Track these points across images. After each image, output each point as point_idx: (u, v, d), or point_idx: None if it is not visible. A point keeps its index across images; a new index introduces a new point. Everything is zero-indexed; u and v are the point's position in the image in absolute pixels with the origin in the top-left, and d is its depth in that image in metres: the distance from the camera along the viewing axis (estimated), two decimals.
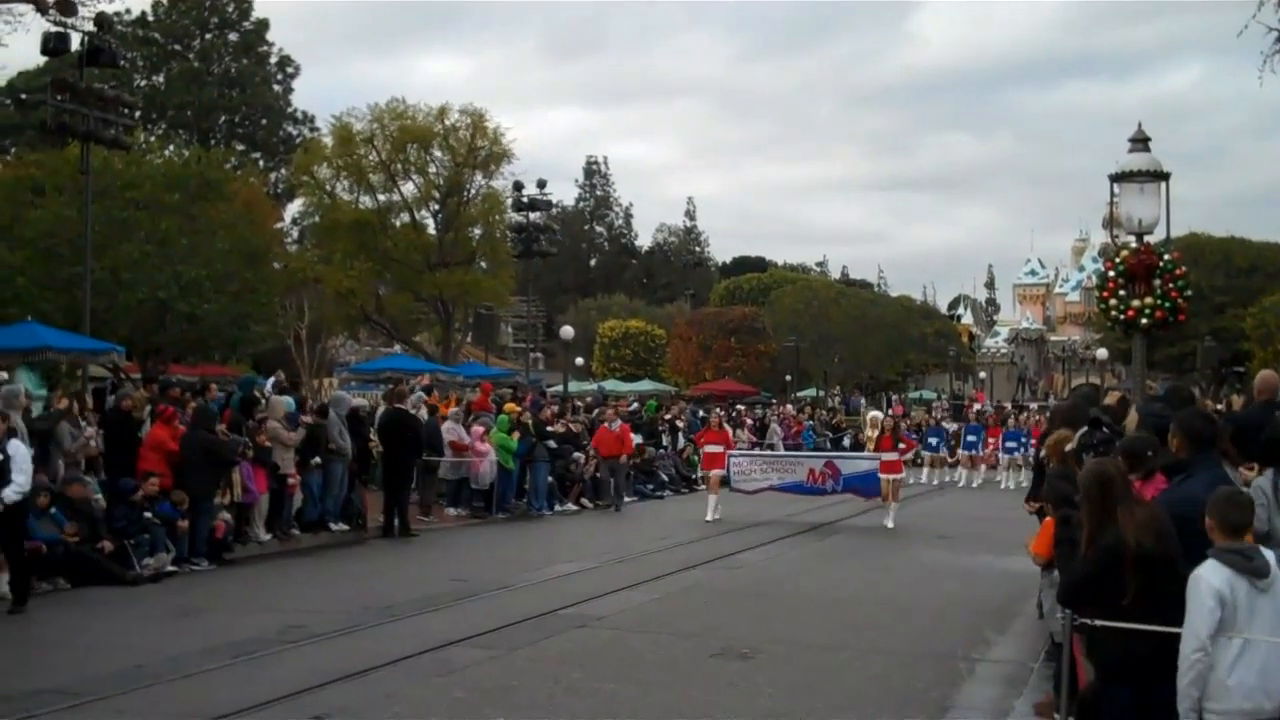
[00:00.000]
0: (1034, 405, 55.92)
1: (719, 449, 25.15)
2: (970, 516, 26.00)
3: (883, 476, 23.10)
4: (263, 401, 19.55)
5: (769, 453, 31.21)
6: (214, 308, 34.50)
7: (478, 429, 23.81)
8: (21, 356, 22.07)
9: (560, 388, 46.30)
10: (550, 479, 25.49)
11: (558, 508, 25.43)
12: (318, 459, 19.52)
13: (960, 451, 37.30)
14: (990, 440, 36.85)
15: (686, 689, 9.98)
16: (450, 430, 23.34)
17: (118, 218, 33.04)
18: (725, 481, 24.30)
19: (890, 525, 22.42)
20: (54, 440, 15.69)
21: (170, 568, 15.75)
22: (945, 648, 11.99)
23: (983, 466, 37.12)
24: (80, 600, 14.12)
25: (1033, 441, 34.86)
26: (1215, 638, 6.10)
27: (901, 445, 24.83)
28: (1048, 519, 8.98)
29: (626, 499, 28.09)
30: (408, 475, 21.28)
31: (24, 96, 55.56)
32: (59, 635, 12.27)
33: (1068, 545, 7.36)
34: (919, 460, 35.84)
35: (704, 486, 26.79)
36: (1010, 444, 35.61)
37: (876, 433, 24.67)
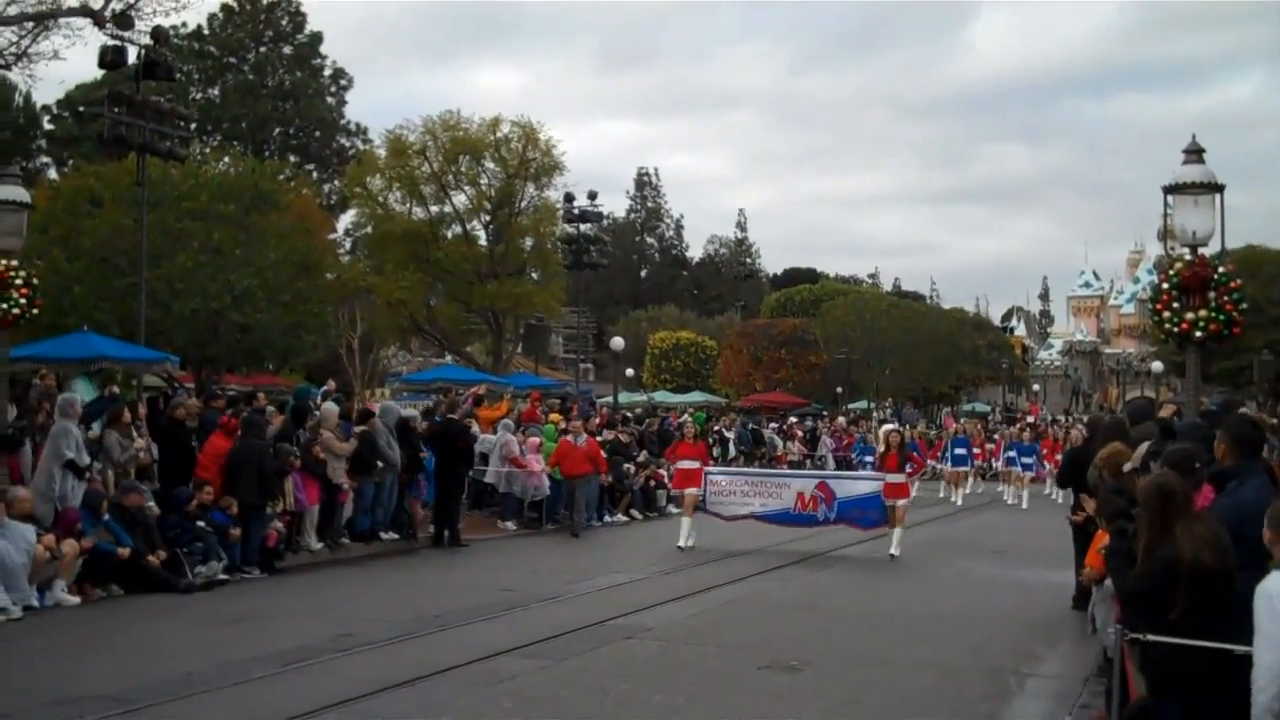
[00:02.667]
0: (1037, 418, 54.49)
1: (694, 464, 21.56)
2: (1024, 530, 25.77)
3: (888, 501, 20.16)
4: (315, 411, 19.73)
5: (752, 470, 27.37)
6: (267, 318, 34.83)
7: (533, 441, 23.86)
8: (79, 366, 22.33)
9: (611, 399, 46.34)
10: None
11: (607, 519, 25.41)
12: (381, 463, 19.62)
13: (949, 468, 35.06)
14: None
15: (734, 701, 9.96)
16: (507, 444, 23.34)
17: (173, 228, 33.42)
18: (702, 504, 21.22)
19: (895, 553, 19.70)
20: (103, 451, 15.84)
21: (222, 576, 15.86)
22: (995, 661, 11.91)
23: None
24: (133, 607, 14.24)
25: (1046, 455, 34.16)
26: None
27: (910, 466, 21.70)
28: (1099, 532, 8.90)
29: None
30: (459, 485, 21.33)
31: (82, 109, 56.34)
32: (112, 642, 12.39)
33: (1121, 558, 7.30)
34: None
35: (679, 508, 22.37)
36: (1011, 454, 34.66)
37: (883, 449, 21.57)
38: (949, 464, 34.76)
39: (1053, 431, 39.11)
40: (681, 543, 20.31)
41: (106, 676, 10.46)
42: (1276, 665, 5.92)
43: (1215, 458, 7.94)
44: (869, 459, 30.58)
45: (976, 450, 35.68)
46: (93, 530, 14.67)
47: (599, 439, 26.10)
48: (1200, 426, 8.97)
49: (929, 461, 36.53)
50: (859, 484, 21.34)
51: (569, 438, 23.85)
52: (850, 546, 20.69)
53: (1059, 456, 32.98)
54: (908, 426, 44.86)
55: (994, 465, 37.71)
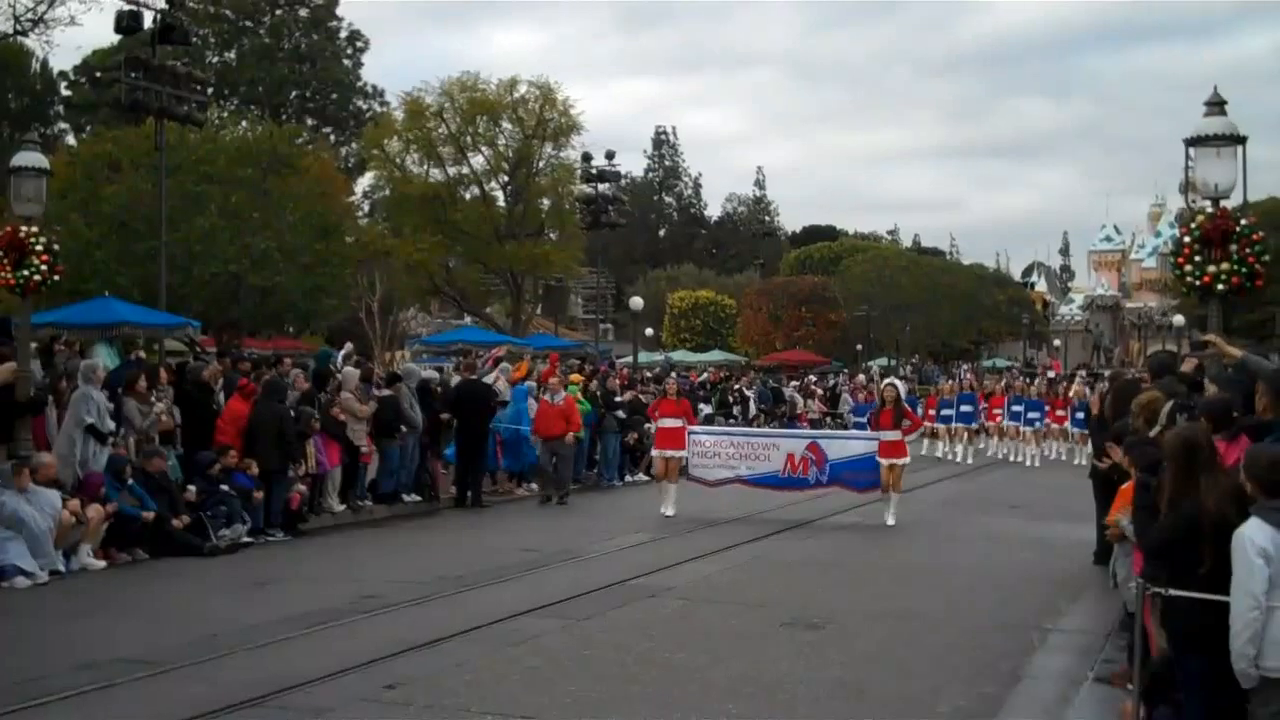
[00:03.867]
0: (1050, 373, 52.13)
1: (677, 423, 20.10)
2: (1041, 486, 25.74)
3: (882, 461, 18.82)
4: (336, 374, 19.79)
5: (738, 429, 25.70)
6: (286, 280, 34.88)
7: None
8: (100, 332, 22.41)
9: (630, 358, 46.36)
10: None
11: (628, 478, 25.42)
12: (404, 427, 19.67)
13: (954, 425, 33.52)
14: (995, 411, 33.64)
15: (757, 658, 9.99)
16: (527, 408, 23.24)
17: (191, 192, 33.45)
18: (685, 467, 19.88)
19: (891, 522, 18.60)
20: (124, 418, 15.88)
21: (246, 539, 15.94)
22: (1017, 617, 11.93)
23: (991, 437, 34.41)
24: (158, 571, 14.33)
25: (1048, 411, 32.51)
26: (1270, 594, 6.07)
27: (907, 422, 19.71)
28: (1123, 487, 8.86)
29: None
30: (481, 447, 21.32)
31: (99, 75, 56.27)
32: (138, 605, 12.48)
33: (1145, 511, 7.29)
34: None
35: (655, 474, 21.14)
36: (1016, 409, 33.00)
37: (877, 404, 20.53)
38: (954, 421, 33.45)
39: (1037, 385, 36.72)
40: (668, 510, 19.15)
41: (133, 639, 10.53)
42: (1247, 611, 6.07)
43: (1255, 409, 7.85)
44: (861, 420, 28.69)
45: (985, 406, 34.01)
46: (117, 495, 14.76)
47: (619, 399, 25.97)
48: (1236, 377, 8.83)
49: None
50: (852, 444, 19.98)
51: (545, 396, 22.27)
52: (851, 510, 19.71)
53: (1059, 413, 32.41)
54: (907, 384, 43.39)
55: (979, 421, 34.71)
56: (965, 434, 33.50)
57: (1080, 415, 31.04)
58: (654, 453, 20.94)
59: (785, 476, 19.34)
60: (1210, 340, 11.20)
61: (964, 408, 33.60)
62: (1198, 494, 6.52)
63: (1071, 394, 32.70)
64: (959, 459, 32.26)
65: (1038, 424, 32.68)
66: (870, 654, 10.29)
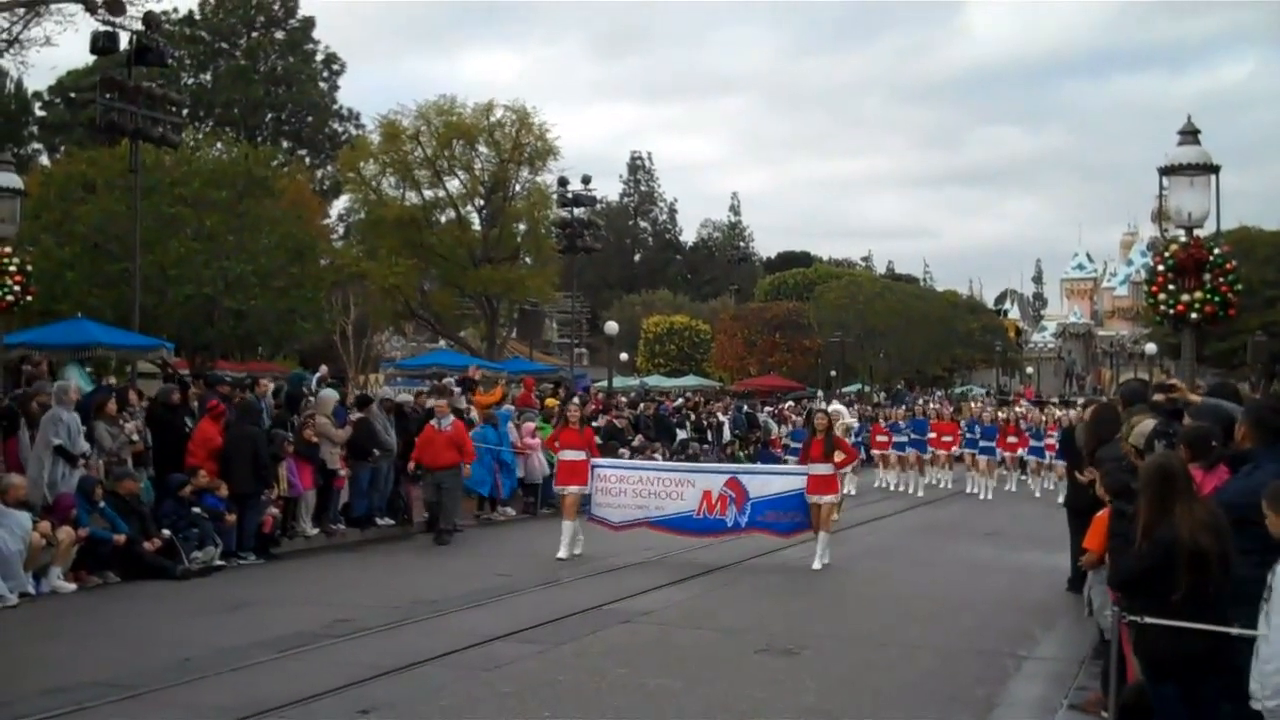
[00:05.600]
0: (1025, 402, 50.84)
1: (579, 455, 17.88)
2: (1014, 514, 25.80)
3: (810, 498, 16.88)
4: (310, 397, 19.71)
5: (649, 464, 21.74)
6: (260, 303, 34.81)
7: (528, 426, 23.80)
8: (72, 353, 22.30)
9: (605, 383, 46.27)
10: None
11: None
12: (377, 451, 19.58)
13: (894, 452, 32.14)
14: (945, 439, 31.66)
15: (731, 684, 9.97)
16: (508, 431, 23.21)
17: (166, 214, 33.38)
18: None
19: (818, 565, 16.63)
20: (94, 440, 15.79)
21: (218, 562, 15.84)
22: (992, 644, 11.94)
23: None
24: (130, 594, 14.22)
25: (998, 439, 30.72)
26: None
27: (840, 455, 17.29)
28: (1097, 515, 8.89)
29: None
30: None
31: (74, 95, 56.23)
32: (109, 628, 12.38)
33: (1120, 539, 7.30)
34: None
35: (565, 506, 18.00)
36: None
37: (808, 434, 18.73)
38: (906, 448, 31.87)
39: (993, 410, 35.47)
40: (562, 553, 17.12)
41: (104, 663, 10.44)
42: None
43: (1234, 439, 7.85)
44: (798, 445, 26.07)
45: (948, 437, 31.86)
46: (88, 517, 14.64)
47: (594, 425, 25.81)
48: (1217, 406, 8.83)
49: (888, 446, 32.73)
50: (778, 480, 18.02)
51: (432, 422, 19.67)
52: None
53: (1010, 439, 31.11)
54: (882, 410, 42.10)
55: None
56: (912, 460, 31.86)
57: (1036, 444, 30.82)
58: (555, 489, 19.07)
59: (701, 518, 17.40)
60: (1173, 384, 11.25)
61: (913, 435, 32.17)
62: (1172, 521, 6.52)
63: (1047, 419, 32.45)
64: (913, 490, 30.68)
65: (994, 451, 30.80)
66: (844, 680, 10.28)
